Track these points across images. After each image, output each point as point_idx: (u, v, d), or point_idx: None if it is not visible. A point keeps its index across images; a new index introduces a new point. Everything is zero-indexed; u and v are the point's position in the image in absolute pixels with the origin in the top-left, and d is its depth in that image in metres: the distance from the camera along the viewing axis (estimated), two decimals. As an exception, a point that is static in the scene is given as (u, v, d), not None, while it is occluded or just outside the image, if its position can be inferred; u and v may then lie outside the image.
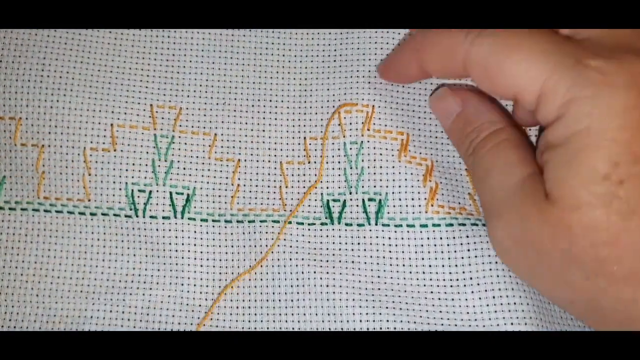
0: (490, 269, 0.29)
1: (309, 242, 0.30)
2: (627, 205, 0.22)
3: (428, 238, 0.30)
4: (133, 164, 0.31)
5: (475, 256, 0.29)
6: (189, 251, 0.30)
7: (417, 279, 0.29)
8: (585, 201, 0.23)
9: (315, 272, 0.29)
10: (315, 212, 0.31)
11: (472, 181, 0.30)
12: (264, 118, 0.32)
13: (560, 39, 0.24)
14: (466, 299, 0.29)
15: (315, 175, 0.31)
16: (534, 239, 0.24)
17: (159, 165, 0.31)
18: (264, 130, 0.31)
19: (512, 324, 0.28)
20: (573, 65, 0.23)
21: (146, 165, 0.31)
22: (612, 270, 0.23)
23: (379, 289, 0.29)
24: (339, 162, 0.31)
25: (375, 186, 0.31)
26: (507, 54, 0.24)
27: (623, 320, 0.24)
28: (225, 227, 0.30)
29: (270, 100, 0.32)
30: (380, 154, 0.31)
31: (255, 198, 0.30)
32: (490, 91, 0.27)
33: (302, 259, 0.29)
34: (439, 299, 0.29)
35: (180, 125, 0.32)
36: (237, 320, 0.29)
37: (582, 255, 0.23)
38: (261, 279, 0.29)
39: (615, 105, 0.22)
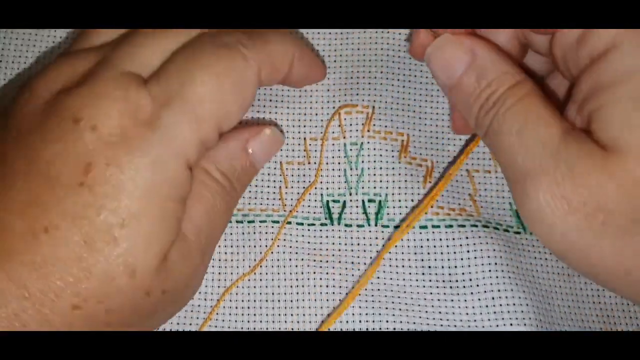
0: (490, 270, 0.29)
1: (309, 242, 0.30)
2: None
3: (428, 239, 0.30)
4: None
5: (475, 257, 0.29)
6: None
7: (417, 280, 0.29)
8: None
9: (315, 273, 0.29)
10: (315, 212, 0.30)
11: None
12: (263, 118, 0.32)
13: None
14: (465, 300, 0.29)
15: (315, 175, 0.31)
16: (593, 197, 0.21)
17: None
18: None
19: (511, 324, 0.28)
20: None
21: None
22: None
23: (379, 289, 0.29)
24: (339, 163, 0.31)
25: (375, 187, 0.31)
26: None
27: None
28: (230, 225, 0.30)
29: (270, 100, 0.32)
30: (380, 155, 0.31)
31: (255, 198, 0.30)
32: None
33: (302, 260, 0.29)
34: (439, 299, 0.29)
35: None
36: (236, 321, 0.29)
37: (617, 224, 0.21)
38: (261, 279, 0.29)
39: None
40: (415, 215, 0.30)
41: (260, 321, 0.29)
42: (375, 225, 0.30)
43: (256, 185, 0.31)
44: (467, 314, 0.28)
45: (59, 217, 0.22)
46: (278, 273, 0.29)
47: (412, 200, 0.30)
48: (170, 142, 0.24)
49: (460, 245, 0.29)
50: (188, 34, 0.26)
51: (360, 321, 0.28)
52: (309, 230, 0.30)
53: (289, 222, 0.30)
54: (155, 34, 0.26)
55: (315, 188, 0.31)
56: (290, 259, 0.29)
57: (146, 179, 0.23)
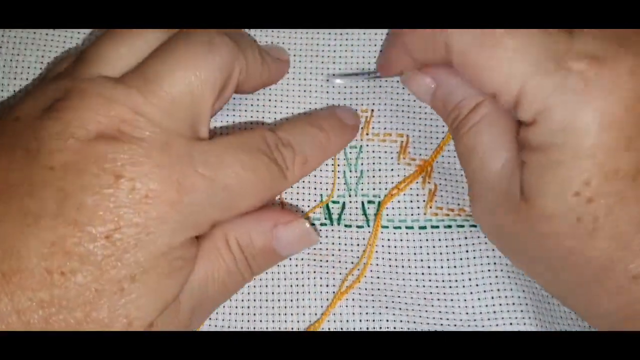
0: (489, 270, 0.29)
1: (308, 242, 0.30)
2: (593, 222, 0.23)
3: (427, 240, 0.30)
4: None
5: (474, 257, 0.29)
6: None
7: (417, 280, 0.29)
8: (556, 213, 0.23)
9: (315, 272, 0.29)
10: (314, 213, 0.30)
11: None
12: (263, 117, 0.32)
13: (547, 32, 0.23)
14: (465, 300, 0.29)
15: (315, 176, 0.31)
16: (508, 230, 0.26)
17: None
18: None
19: (511, 324, 0.28)
20: (554, 70, 0.22)
21: None
22: (574, 277, 0.24)
23: (379, 289, 0.29)
24: (339, 165, 0.31)
25: (374, 189, 0.31)
26: (489, 48, 0.24)
27: (586, 319, 0.26)
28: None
29: (270, 100, 0.32)
30: (379, 157, 0.31)
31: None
32: (470, 81, 0.26)
33: (302, 259, 0.29)
34: (438, 299, 0.29)
35: None
36: (236, 320, 0.29)
37: (550, 256, 0.25)
38: (261, 279, 0.29)
39: (592, 123, 0.22)
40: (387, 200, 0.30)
41: (260, 320, 0.29)
42: (374, 225, 0.30)
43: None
44: (466, 313, 0.28)
45: (77, 262, 0.23)
46: (278, 272, 0.29)
47: (412, 201, 0.30)
48: (195, 218, 0.25)
49: (460, 245, 0.29)
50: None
51: (360, 320, 0.28)
52: (308, 230, 0.30)
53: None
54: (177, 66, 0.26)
55: (315, 189, 0.31)
56: (290, 258, 0.29)
57: (165, 243, 0.24)
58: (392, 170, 0.31)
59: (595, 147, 0.22)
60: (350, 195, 0.31)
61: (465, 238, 0.29)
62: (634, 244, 0.22)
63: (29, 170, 0.24)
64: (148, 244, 0.24)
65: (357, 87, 0.32)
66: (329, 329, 0.28)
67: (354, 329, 0.28)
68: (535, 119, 0.23)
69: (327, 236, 0.30)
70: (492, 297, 0.28)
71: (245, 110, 0.32)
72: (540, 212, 0.24)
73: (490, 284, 0.29)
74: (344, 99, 0.32)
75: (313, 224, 0.30)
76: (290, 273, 0.29)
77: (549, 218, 0.23)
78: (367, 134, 0.31)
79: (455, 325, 0.28)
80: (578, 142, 0.22)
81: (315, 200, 0.31)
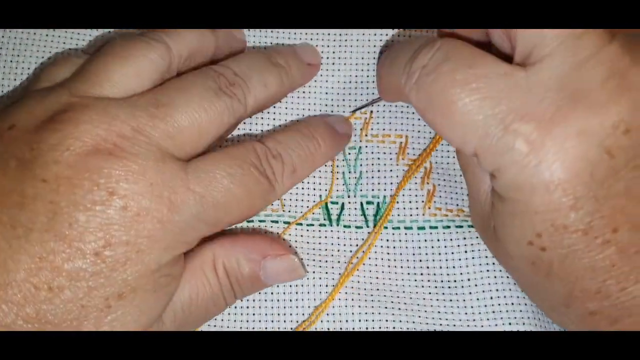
0: (488, 270, 0.29)
1: (307, 242, 0.30)
2: (548, 268, 0.24)
3: (425, 240, 0.30)
4: None
5: (473, 257, 0.29)
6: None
7: (416, 280, 0.29)
8: (515, 255, 0.25)
9: (314, 272, 0.29)
10: (313, 213, 0.31)
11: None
12: (262, 118, 0.32)
13: (496, 84, 0.23)
14: (464, 300, 0.29)
15: (314, 176, 0.31)
16: (491, 249, 0.28)
17: None
18: (262, 131, 0.32)
19: (510, 324, 0.28)
20: (502, 134, 0.23)
21: None
22: (542, 300, 0.26)
23: (378, 289, 0.29)
24: (337, 166, 0.31)
25: (373, 190, 0.31)
26: (440, 115, 0.24)
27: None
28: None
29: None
30: (378, 158, 0.31)
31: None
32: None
33: (301, 259, 0.29)
34: (437, 299, 0.29)
35: None
36: (235, 320, 0.29)
37: (520, 283, 0.27)
38: (260, 279, 0.29)
39: (537, 184, 0.22)
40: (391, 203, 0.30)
41: (260, 320, 0.29)
42: (374, 226, 0.30)
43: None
44: (465, 313, 0.28)
45: (66, 279, 0.23)
46: (282, 282, 0.29)
47: (411, 202, 0.30)
48: (185, 235, 0.25)
49: (458, 245, 0.30)
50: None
51: (359, 320, 0.28)
52: (307, 230, 0.30)
53: (288, 223, 0.30)
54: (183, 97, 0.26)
55: (314, 189, 0.31)
56: (289, 258, 0.29)
57: (154, 261, 0.24)
58: (391, 171, 0.31)
59: (543, 205, 0.23)
60: (349, 196, 0.31)
61: (464, 238, 0.30)
62: (589, 288, 0.23)
63: (21, 181, 0.23)
64: (137, 262, 0.24)
65: (355, 87, 0.32)
66: (328, 329, 0.28)
67: (353, 329, 0.28)
68: (492, 174, 0.24)
69: (326, 237, 0.30)
70: (491, 297, 0.28)
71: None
72: (505, 250, 0.25)
73: (489, 284, 0.29)
74: (343, 99, 0.32)
75: (300, 224, 0.30)
76: (290, 273, 0.29)
77: (511, 257, 0.25)
78: (366, 135, 0.31)
79: (454, 325, 0.28)
80: (528, 200, 0.23)
81: (314, 201, 0.31)
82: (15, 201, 0.23)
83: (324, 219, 0.30)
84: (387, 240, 0.30)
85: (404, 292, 0.29)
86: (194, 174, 0.25)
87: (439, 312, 0.29)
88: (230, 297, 0.27)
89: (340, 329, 0.28)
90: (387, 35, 0.32)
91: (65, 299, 0.23)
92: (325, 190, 0.31)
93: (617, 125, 0.22)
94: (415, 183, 0.31)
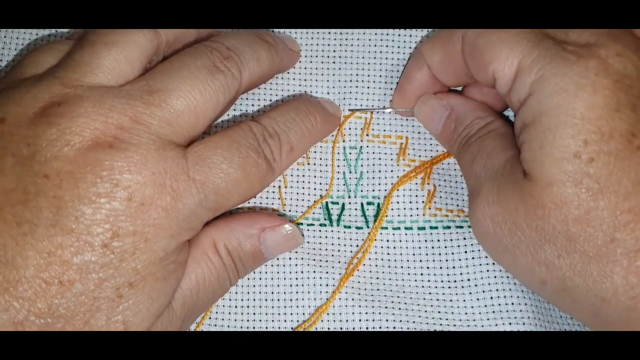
0: (488, 270, 0.29)
1: (308, 242, 0.30)
2: (597, 183, 0.23)
3: (426, 240, 0.30)
4: None
5: (473, 258, 0.29)
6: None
7: (416, 280, 0.29)
8: (557, 179, 0.24)
9: (314, 272, 0.29)
10: (314, 213, 0.31)
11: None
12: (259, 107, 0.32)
13: (543, 30, 0.26)
14: (464, 300, 0.29)
15: (315, 177, 0.31)
16: (510, 216, 0.25)
17: None
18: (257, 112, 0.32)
19: (510, 324, 0.28)
20: (551, 45, 0.24)
21: None
22: (582, 248, 0.24)
23: (378, 289, 0.29)
24: (338, 166, 0.31)
25: (374, 190, 0.31)
26: (492, 32, 0.26)
27: (593, 300, 0.24)
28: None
29: (270, 100, 0.32)
30: (379, 159, 0.31)
31: (254, 197, 0.30)
32: (477, 72, 0.27)
33: (302, 259, 0.29)
34: (437, 299, 0.29)
35: None
36: (235, 320, 0.29)
37: (555, 233, 0.24)
38: (260, 278, 0.29)
39: (585, 85, 0.23)
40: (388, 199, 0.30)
41: (260, 320, 0.29)
42: (374, 227, 0.30)
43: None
44: (465, 313, 0.28)
45: (76, 272, 0.23)
46: (278, 272, 0.29)
47: (411, 202, 0.30)
48: (189, 222, 0.25)
49: (458, 246, 0.30)
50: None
51: (360, 320, 0.28)
52: (308, 230, 0.30)
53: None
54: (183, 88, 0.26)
55: (315, 189, 0.31)
56: (290, 258, 0.29)
57: (162, 248, 0.24)
58: (391, 171, 0.31)
59: (589, 107, 0.23)
60: (349, 197, 0.31)
61: (464, 239, 0.30)
62: (639, 209, 0.23)
63: (21, 178, 0.23)
64: (145, 251, 0.24)
65: (356, 87, 0.32)
66: (328, 328, 0.28)
67: (354, 328, 0.28)
68: (531, 90, 0.24)
69: (326, 237, 0.30)
70: (491, 298, 0.28)
71: (246, 111, 0.32)
72: (543, 183, 0.24)
73: (489, 284, 0.29)
74: (344, 98, 0.32)
75: (300, 224, 0.30)
76: (290, 273, 0.29)
77: (551, 187, 0.24)
78: (367, 135, 0.31)
79: (454, 325, 0.28)
80: (573, 103, 0.23)
81: (315, 201, 0.31)
82: (17, 198, 0.23)
83: (325, 219, 0.31)
84: (388, 240, 0.30)
85: (404, 292, 0.29)
86: (193, 161, 0.25)
87: (439, 312, 0.29)
88: (234, 276, 0.28)
89: (341, 328, 0.28)
90: (387, 35, 0.32)
91: (77, 292, 0.23)
92: (326, 190, 0.31)
93: None
94: (416, 183, 0.31)
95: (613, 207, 0.23)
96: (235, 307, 0.29)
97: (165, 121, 0.25)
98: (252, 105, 0.32)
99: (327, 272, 0.29)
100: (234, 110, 0.32)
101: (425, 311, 0.29)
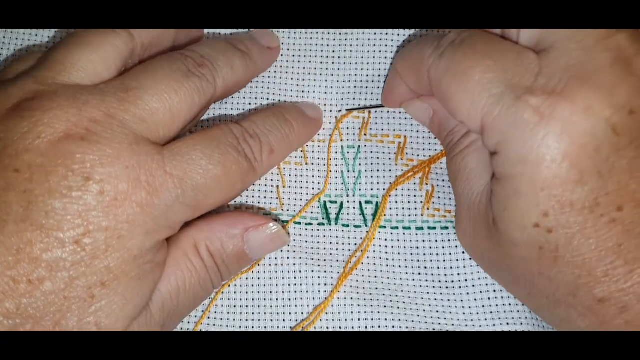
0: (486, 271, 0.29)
1: (306, 241, 0.30)
2: (555, 251, 0.23)
3: (424, 241, 0.30)
4: None
5: (470, 258, 0.29)
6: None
7: (414, 280, 0.29)
8: (521, 241, 0.24)
9: (313, 272, 0.29)
10: (312, 212, 0.31)
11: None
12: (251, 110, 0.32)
13: (511, 62, 0.24)
14: (462, 300, 0.29)
15: (313, 176, 0.31)
16: (484, 254, 0.27)
17: None
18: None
19: (507, 324, 0.28)
20: (512, 103, 0.23)
21: None
22: (547, 295, 0.25)
23: (376, 288, 0.29)
24: (337, 165, 0.31)
25: (372, 189, 0.31)
26: (458, 78, 0.24)
27: (562, 328, 0.26)
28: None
29: (268, 99, 0.32)
30: (377, 158, 0.31)
31: (253, 197, 0.31)
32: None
33: (300, 258, 0.30)
34: (435, 299, 0.29)
35: None
36: (234, 320, 0.29)
37: (522, 280, 0.25)
38: (258, 278, 0.29)
39: (545, 155, 0.22)
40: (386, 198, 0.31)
41: (259, 320, 0.29)
42: (372, 226, 0.30)
43: (254, 185, 0.31)
44: (463, 314, 0.29)
45: (45, 270, 0.22)
46: (276, 272, 0.29)
47: (409, 202, 0.30)
48: (166, 219, 0.24)
49: (456, 246, 0.30)
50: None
51: (358, 320, 0.28)
52: (306, 229, 0.30)
53: (286, 221, 0.30)
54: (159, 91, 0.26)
55: (313, 189, 0.31)
56: (288, 257, 0.30)
57: (137, 246, 0.23)
58: (390, 171, 0.31)
59: (549, 179, 0.22)
60: (348, 196, 0.31)
61: (463, 239, 0.30)
62: (597, 271, 0.23)
63: None
64: (119, 248, 0.23)
65: (355, 87, 0.32)
66: (327, 328, 0.28)
67: (352, 328, 0.28)
68: (496, 149, 0.24)
69: (324, 236, 0.30)
70: (489, 298, 0.29)
71: (244, 110, 0.32)
72: (508, 240, 0.24)
73: (487, 284, 0.29)
74: (342, 98, 0.32)
75: (298, 223, 0.30)
76: (288, 272, 0.29)
77: (515, 245, 0.24)
78: (365, 135, 0.31)
79: (452, 325, 0.28)
80: (533, 174, 0.23)
81: (311, 198, 0.31)
82: None
83: (323, 218, 0.31)
84: (386, 240, 0.30)
85: (402, 291, 0.29)
86: (170, 157, 0.25)
87: (437, 311, 0.29)
88: (217, 279, 0.27)
89: (340, 328, 0.28)
90: (387, 34, 0.32)
91: (46, 290, 0.22)
92: (325, 189, 0.31)
93: (623, 105, 0.22)
94: (414, 184, 0.31)
95: (571, 272, 0.23)
96: (234, 306, 0.29)
97: (139, 117, 0.24)
98: (250, 104, 0.32)
99: (325, 272, 0.29)
100: (220, 109, 0.32)
101: (424, 311, 0.29)
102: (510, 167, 0.23)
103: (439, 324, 0.28)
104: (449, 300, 0.29)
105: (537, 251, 0.24)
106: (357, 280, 0.29)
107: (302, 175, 0.31)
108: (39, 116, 0.23)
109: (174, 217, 0.25)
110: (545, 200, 0.23)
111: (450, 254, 0.30)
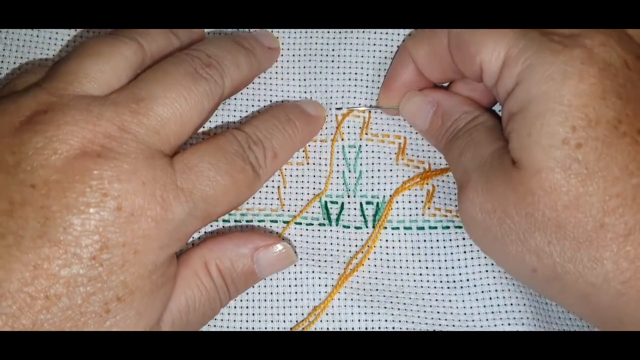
0: (487, 271, 0.29)
1: (307, 242, 0.30)
2: (585, 168, 0.23)
3: (425, 240, 0.30)
4: None
5: (472, 258, 0.29)
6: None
7: (415, 280, 0.29)
8: (546, 166, 0.24)
9: (313, 272, 0.29)
10: (313, 212, 0.31)
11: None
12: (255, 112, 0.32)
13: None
14: (463, 300, 0.29)
15: (314, 176, 0.31)
16: (499, 204, 0.25)
17: None
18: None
19: (509, 324, 0.28)
20: (537, 36, 0.25)
21: None
22: (572, 234, 0.24)
23: (377, 289, 0.29)
24: (337, 165, 0.31)
25: (373, 189, 0.31)
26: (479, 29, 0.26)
27: (584, 287, 0.24)
28: (223, 227, 0.30)
29: (270, 100, 0.32)
30: (378, 158, 0.31)
31: (253, 198, 0.31)
32: (463, 64, 0.27)
33: (300, 259, 0.30)
34: (437, 299, 0.29)
35: None
36: (234, 320, 0.29)
37: (544, 219, 0.24)
38: (259, 278, 0.29)
39: (572, 73, 0.24)
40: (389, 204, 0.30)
41: (259, 320, 0.29)
42: (373, 226, 0.30)
43: (255, 186, 0.31)
44: (464, 314, 0.28)
45: (63, 286, 0.22)
46: (277, 273, 0.29)
47: (410, 202, 0.30)
48: (179, 232, 0.25)
49: (457, 246, 0.30)
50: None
51: (359, 320, 0.28)
52: (307, 229, 0.30)
53: (287, 222, 0.30)
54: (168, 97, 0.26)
55: (314, 188, 0.31)
56: (288, 258, 0.30)
57: (152, 261, 0.24)
58: (390, 171, 0.31)
59: (576, 95, 0.23)
60: (349, 196, 0.31)
61: (463, 239, 0.30)
62: (627, 193, 0.23)
63: (6, 187, 0.23)
64: (135, 263, 0.23)
65: (355, 86, 0.32)
66: (327, 328, 0.28)
67: (353, 328, 0.28)
68: (518, 79, 0.25)
69: (325, 236, 0.30)
70: (490, 298, 0.28)
71: (246, 111, 0.32)
72: (532, 171, 0.24)
73: (488, 284, 0.29)
74: (342, 97, 0.32)
75: (299, 223, 0.30)
76: (289, 273, 0.29)
77: (540, 173, 0.24)
78: (366, 134, 0.31)
79: (453, 326, 0.28)
80: (561, 90, 0.24)
81: (312, 198, 0.31)
82: (1, 209, 0.22)
83: (324, 219, 0.31)
84: (387, 240, 0.30)
85: (403, 292, 0.29)
86: (181, 170, 0.25)
87: (438, 312, 0.29)
88: (225, 297, 0.27)
89: (340, 328, 0.28)
90: (386, 34, 0.32)
91: (63, 306, 0.22)
92: (326, 190, 0.31)
93: (629, 50, 0.25)
94: (415, 182, 0.31)
95: (602, 192, 0.23)
96: (235, 307, 0.29)
97: (152, 129, 0.25)
98: (253, 105, 0.32)
99: (325, 273, 0.29)
100: (223, 111, 0.32)
101: (425, 311, 0.29)
102: (536, 88, 0.24)
103: (440, 324, 0.28)
104: (450, 300, 0.29)
105: (565, 173, 0.23)
106: (358, 282, 0.29)
107: (303, 176, 0.31)
108: (53, 131, 0.23)
109: (185, 230, 0.25)
110: (573, 115, 0.23)
111: (451, 253, 0.30)
